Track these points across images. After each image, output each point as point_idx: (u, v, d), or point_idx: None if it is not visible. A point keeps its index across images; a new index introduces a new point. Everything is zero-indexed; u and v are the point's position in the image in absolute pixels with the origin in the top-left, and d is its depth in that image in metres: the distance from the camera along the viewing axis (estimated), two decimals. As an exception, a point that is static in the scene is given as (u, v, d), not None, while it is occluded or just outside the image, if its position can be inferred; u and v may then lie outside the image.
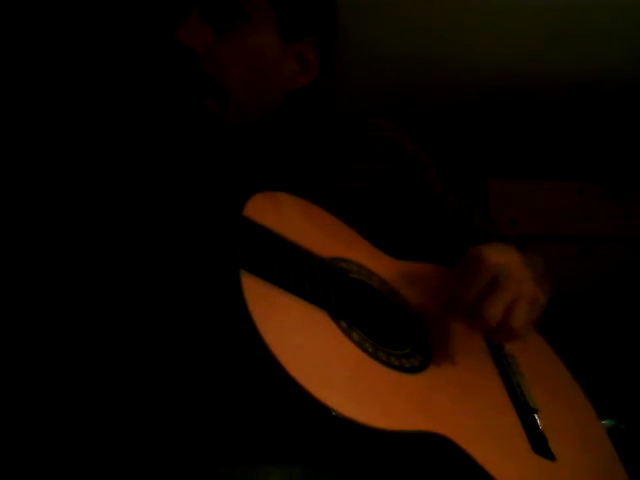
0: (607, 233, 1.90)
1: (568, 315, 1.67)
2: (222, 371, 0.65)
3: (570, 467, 0.77)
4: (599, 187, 1.94)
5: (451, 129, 1.97)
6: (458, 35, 1.65)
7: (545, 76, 1.78)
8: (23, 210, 0.69)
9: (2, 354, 0.70)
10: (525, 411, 0.79)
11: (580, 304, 1.77)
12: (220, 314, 0.66)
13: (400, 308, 0.79)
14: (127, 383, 0.69)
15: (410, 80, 1.78)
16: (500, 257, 0.75)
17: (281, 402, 0.60)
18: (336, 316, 0.68)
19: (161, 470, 0.63)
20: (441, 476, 0.65)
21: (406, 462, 0.64)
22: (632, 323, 1.74)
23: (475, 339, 0.82)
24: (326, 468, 0.63)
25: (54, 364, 0.71)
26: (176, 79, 0.83)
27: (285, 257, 0.69)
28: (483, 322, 0.71)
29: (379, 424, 0.60)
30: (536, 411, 0.80)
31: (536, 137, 1.99)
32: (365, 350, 0.67)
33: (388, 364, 0.68)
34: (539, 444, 0.76)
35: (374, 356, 0.67)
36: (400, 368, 0.69)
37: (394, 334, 0.74)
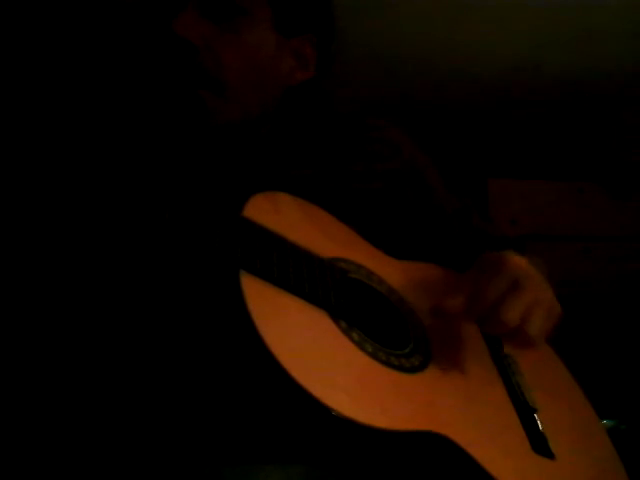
0: (607, 233, 1.89)
1: (568, 315, 1.67)
2: (221, 371, 0.65)
3: (570, 466, 0.77)
4: (599, 187, 1.93)
5: (451, 129, 1.97)
6: (458, 35, 1.65)
7: (545, 76, 1.78)
8: (23, 210, 0.69)
9: (2, 354, 0.70)
10: (525, 411, 0.79)
11: (580, 304, 1.76)
12: (220, 314, 0.66)
13: (399, 308, 0.79)
14: (127, 383, 0.69)
15: (410, 80, 1.78)
16: (521, 262, 0.75)
17: (281, 402, 0.60)
18: (336, 316, 0.68)
19: (162, 470, 0.63)
20: (441, 476, 0.66)
21: (406, 462, 0.64)
22: (632, 323, 1.74)
23: (474, 338, 0.82)
24: (327, 468, 0.63)
25: (54, 365, 0.71)
26: (174, 71, 0.83)
27: (285, 257, 0.69)
28: (499, 326, 0.70)
29: (379, 424, 0.60)
30: (536, 410, 0.80)
31: (536, 137, 1.99)
32: (365, 350, 0.67)
33: (388, 364, 0.68)
34: (539, 443, 0.76)
35: (374, 356, 0.67)
36: (400, 368, 0.69)
37: (394, 334, 0.74)
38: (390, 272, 0.82)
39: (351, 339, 0.67)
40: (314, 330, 0.65)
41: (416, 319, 0.79)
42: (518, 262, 0.75)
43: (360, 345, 0.67)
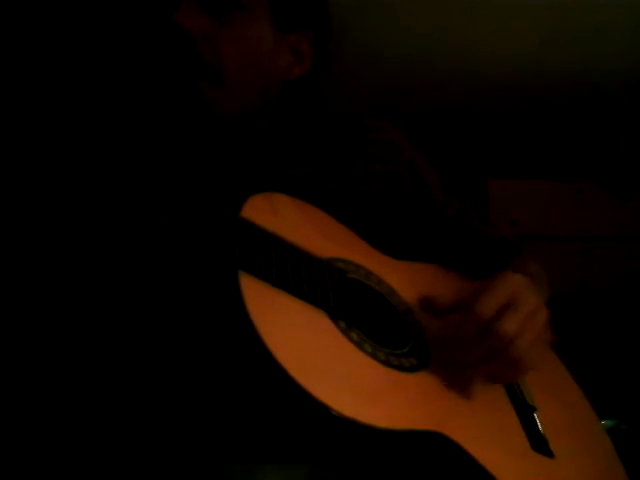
0: (607, 233, 1.89)
1: (568, 315, 1.67)
2: (221, 371, 0.65)
3: (569, 465, 0.77)
4: (599, 187, 1.93)
5: (451, 129, 1.97)
6: (458, 35, 1.65)
7: (545, 76, 1.78)
8: (23, 210, 0.69)
9: (2, 354, 0.70)
10: (524, 410, 0.79)
11: (580, 304, 1.76)
12: (219, 315, 0.66)
13: (398, 307, 0.79)
14: (127, 384, 0.69)
15: (409, 80, 1.78)
16: (523, 279, 0.75)
17: (281, 402, 0.60)
18: (335, 316, 0.68)
19: (164, 470, 0.63)
20: (441, 474, 0.66)
21: (406, 461, 0.64)
22: (632, 323, 1.74)
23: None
24: (327, 468, 0.63)
25: (55, 365, 0.71)
26: (173, 63, 0.83)
27: (283, 258, 0.69)
28: (492, 339, 0.69)
29: (379, 423, 0.60)
30: (535, 410, 0.80)
31: (536, 137, 1.99)
32: (364, 350, 0.67)
33: (387, 363, 0.68)
34: (538, 442, 0.76)
35: (373, 356, 0.67)
36: (399, 367, 0.69)
37: (393, 333, 0.74)
38: (389, 272, 0.83)
39: (350, 339, 0.67)
40: (313, 330, 0.66)
41: (415, 319, 0.79)
42: (519, 279, 0.74)
43: (359, 345, 0.67)
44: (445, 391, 0.71)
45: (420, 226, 0.98)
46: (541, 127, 1.96)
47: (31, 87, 0.83)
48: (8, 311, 0.71)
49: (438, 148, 1.38)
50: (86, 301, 0.72)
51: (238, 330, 0.61)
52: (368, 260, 0.82)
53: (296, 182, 0.86)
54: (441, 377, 0.72)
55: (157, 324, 0.70)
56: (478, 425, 0.71)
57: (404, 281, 0.83)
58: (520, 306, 0.71)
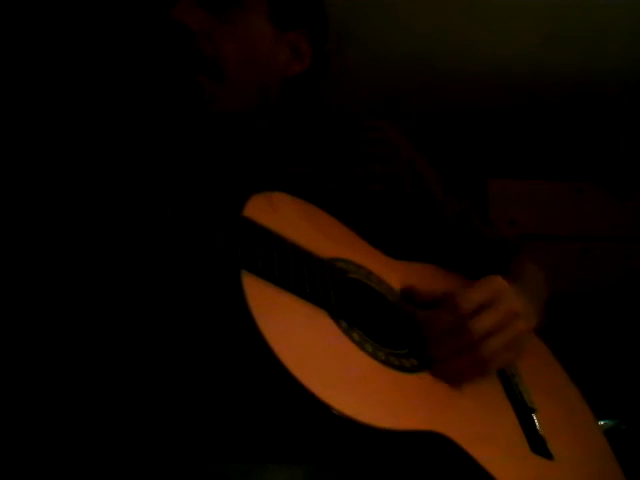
0: (607, 233, 1.89)
1: (568, 315, 1.67)
2: (223, 371, 0.66)
3: (568, 466, 0.77)
4: (599, 187, 1.93)
5: (451, 129, 1.97)
6: (458, 35, 1.65)
7: (545, 76, 1.78)
8: (23, 210, 0.69)
9: (2, 354, 0.70)
10: (523, 411, 0.79)
11: (580, 304, 1.77)
12: (221, 314, 0.66)
13: (399, 308, 0.79)
14: (128, 383, 0.69)
15: (409, 80, 1.78)
16: (508, 284, 0.76)
17: (283, 401, 0.60)
18: (336, 316, 0.68)
19: (166, 469, 0.63)
20: (441, 475, 0.66)
21: (406, 461, 0.65)
22: (632, 323, 1.74)
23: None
24: (327, 467, 0.63)
25: (56, 365, 0.71)
26: (172, 57, 0.83)
27: (285, 257, 0.69)
28: (462, 335, 0.70)
29: (379, 423, 0.60)
30: (534, 411, 0.80)
31: (536, 137, 1.99)
32: (365, 350, 0.67)
33: (388, 363, 0.68)
34: (537, 444, 0.76)
35: (374, 356, 0.67)
36: (400, 367, 0.69)
37: (393, 334, 0.74)
38: (389, 272, 0.83)
39: (351, 339, 0.67)
40: (315, 330, 0.66)
41: (415, 319, 0.79)
42: (503, 283, 0.75)
43: (360, 345, 0.67)
44: (445, 392, 0.71)
45: (420, 226, 0.98)
46: (541, 127, 1.96)
47: (31, 86, 0.83)
48: (8, 311, 0.71)
49: (438, 148, 1.38)
50: (87, 300, 0.72)
51: (240, 329, 0.61)
52: (368, 260, 0.82)
53: (296, 181, 0.86)
54: (441, 378, 0.72)
55: (159, 323, 0.70)
56: (478, 426, 0.71)
57: (404, 281, 0.83)
58: (498, 308, 0.72)
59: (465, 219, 1.02)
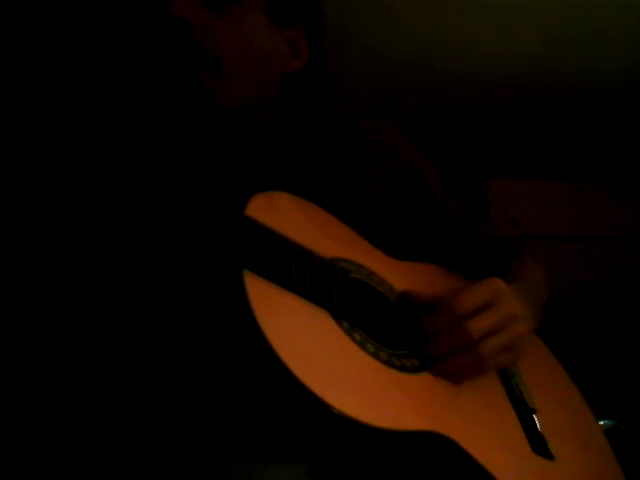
0: (607, 233, 1.90)
1: (568, 315, 1.67)
2: (224, 370, 0.65)
3: (568, 467, 0.77)
4: (599, 187, 1.94)
5: (451, 129, 1.97)
6: (458, 35, 1.65)
7: (545, 76, 1.78)
8: (24, 210, 0.69)
9: (2, 354, 0.70)
10: (524, 411, 0.79)
11: (580, 304, 1.77)
12: (223, 313, 0.66)
13: (400, 308, 0.79)
14: (128, 383, 0.69)
15: (409, 80, 1.78)
16: (508, 286, 0.76)
17: (284, 401, 0.60)
18: (338, 316, 0.68)
19: (163, 469, 0.63)
20: (442, 475, 0.66)
21: (407, 461, 0.65)
22: (632, 323, 1.74)
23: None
24: (330, 467, 0.63)
25: (56, 364, 0.71)
26: (170, 50, 0.83)
27: (287, 257, 0.69)
28: (460, 334, 0.71)
29: (380, 423, 0.60)
30: (535, 411, 0.80)
31: (536, 137, 2.00)
32: (367, 350, 0.67)
33: (389, 364, 0.68)
34: (538, 444, 0.76)
35: (375, 356, 0.67)
36: (401, 368, 0.69)
37: (395, 334, 0.74)
38: (391, 272, 0.82)
39: (353, 339, 0.67)
40: (317, 330, 0.66)
41: (417, 320, 0.79)
42: (502, 284, 0.76)
43: (362, 345, 0.67)
44: (446, 392, 0.71)
45: (421, 226, 0.98)
46: (541, 127, 1.97)
47: (30, 84, 0.82)
48: (8, 310, 0.71)
49: (438, 148, 1.38)
50: (89, 300, 0.72)
51: (242, 328, 0.61)
52: (370, 260, 0.82)
53: (297, 181, 0.86)
54: (442, 378, 0.72)
55: (160, 322, 0.70)
56: (479, 426, 0.71)
57: (405, 281, 0.83)
58: (497, 309, 0.73)
59: (466, 218, 1.02)
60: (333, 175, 0.90)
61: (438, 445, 0.65)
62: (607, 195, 1.92)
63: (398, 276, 0.83)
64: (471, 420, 0.70)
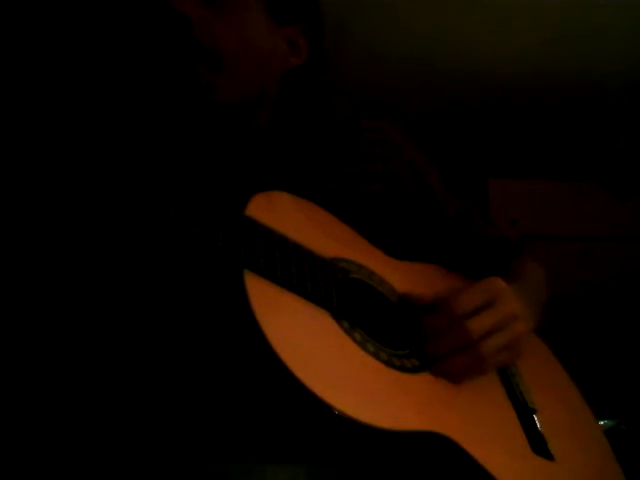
0: (607, 233, 1.90)
1: (568, 315, 1.67)
2: (225, 370, 0.65)
3: (569, 467, 0.77)
4: (599, 187, 1.94)
5: (451, 129, 1.97)
6: (458, 35, 1.65)
7: (545, 76, 1.78)
8: (24, 210, 0.69)
9: (2, 354, 0.70)
10: (524, 411, 0.79)
11: (580, 304, 1.77)
12: (223, 313, 0.66)
13: (400, 308, 0.79)
14: (128, 382, 0.69)
15: (409, 80, 1.78)
16: (508, 286, 0.77)
17: (284, 401, 0.60)
18: (338, 316, 0.68)
19: (163, 469, 0.63)
20: (442, 475, 0.66)
21: (407, 461, 0.65)
22: (632, 323, 1.74)
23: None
24: (330, 467, 0.63)
25: (56, 364, 0.71)
26: (170, 46, 0.83)
27: (287, 257, 0.69)
28: (460, 334, 0.71)
29: (380, 423, 0.60)
30: (535, 411, 0.80)
31: (536, 137, 2.00)
32: (367, 350, 0.67)
33: (389, 364, 0.68)
34: (538, 444, 0.76)
35: (375, 356, 0.67)
36: (401, 368, 0.69)
37: (395, 334, 0.74)
38: (391, 272, 0.82)
39: (353, 339, 0.67)
40: (317, 330, 0.66)
41: (417, 320, 0.79)
42: (503, 284, 0.76)
43: (362, 345, 0.67)
44: (446, 392, 0.71)
45: (421, 226, 0.98)
46: (541, 127, 1.97)
47: (30, 83, 0.82)
48: (8, 310, 0.71)
49: (438, 148, 1.38)
50: (89, 300, 0.72)
51: (242, 328, 0.61)
52: (370, 260, 0.82)
53: (297, 180, 0.86)
54: (442, 378, 0.72)
55: (160, 322, 0.70)
56: (479, 426, 0.71)
57: (405, 282, 0.83)
58: (497, 309, 0.73)
59: (466, 218, 1.02)
60: (333, 175, 0.90)
61: (438, 445, 0.65)
62: (607, 195, 1.92)
63: (398, 276, 0.83)
64: (471, 420, 0.70)
